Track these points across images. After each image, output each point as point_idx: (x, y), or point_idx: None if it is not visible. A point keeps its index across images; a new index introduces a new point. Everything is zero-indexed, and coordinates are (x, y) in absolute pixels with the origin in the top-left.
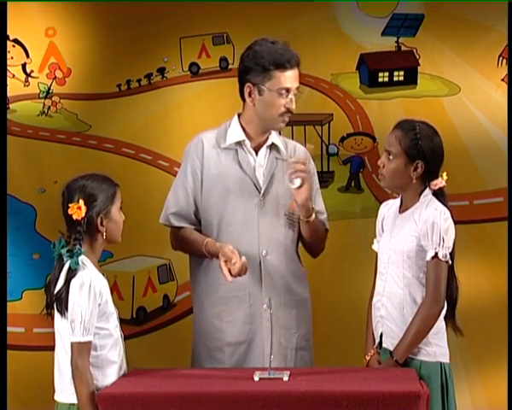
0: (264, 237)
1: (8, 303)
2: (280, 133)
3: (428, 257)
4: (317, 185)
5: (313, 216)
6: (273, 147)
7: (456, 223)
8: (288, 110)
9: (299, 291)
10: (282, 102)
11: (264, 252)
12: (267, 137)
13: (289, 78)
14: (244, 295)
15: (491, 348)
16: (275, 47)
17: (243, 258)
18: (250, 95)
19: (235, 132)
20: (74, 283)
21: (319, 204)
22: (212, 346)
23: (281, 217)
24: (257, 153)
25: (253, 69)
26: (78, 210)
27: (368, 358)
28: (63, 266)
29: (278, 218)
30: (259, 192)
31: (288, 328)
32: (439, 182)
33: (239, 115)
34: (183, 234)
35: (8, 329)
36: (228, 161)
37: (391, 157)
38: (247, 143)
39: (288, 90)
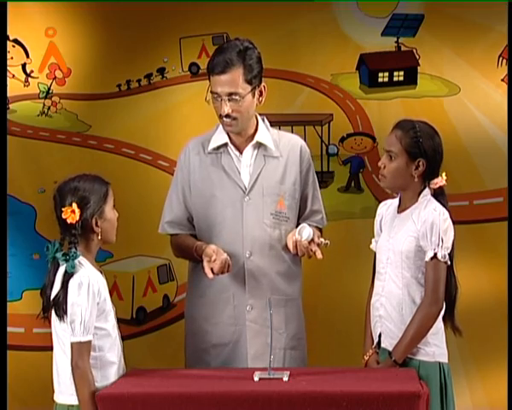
0: (248, 237)
1: (8, 303)
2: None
3: (427, 258)
4: (316, 181)
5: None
6: (262, 145)
7: (456, 223)
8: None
9: (287, 291)
10: (216, 105)
11: (247, 253)
12: (254, 136)
13: (218, 83)
14: (228, 297)
15: (491, 348)
16: (217, 49)
17: (224, 255)
18: None
19: (218, 136)
20: (72, 283)
21: (316, 202)
22: (200, 348)
23: (266, 216)
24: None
25: None
26: (72, 214)
27: (366, 358)
28: (58, 268)
29: (264, 217)
30: (244, 193)
31: (275, 328)
32: (440, 181)
33: None
34: (177, 241)
35: (8, 329)
36: (212, 165)
37: (392, 157)
38: (231, 145)
39: (218, 95)
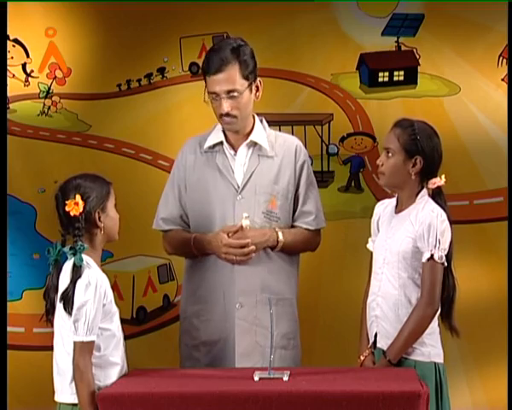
0: None
1: (8, 303)
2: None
3: (424, 259)
4: (312, 182)
5: (279, 246)
6: (256, 144)
7: (456, 223)
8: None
9: (278, 290)
10: (215, 105)
11: None
12: (249, 135)
13: (215, 82)
14: (219, 295)
15: (491, 348)
16: (211, 49)
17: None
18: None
19: (214, 135)
20: (80, 283)
21: (308, 203)
22: (191, 344)
23: (258, 215)
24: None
25: None
26: (75, 206)
27: (362, 358)
28: (60, 270)
29: (254, 216)
30: (237, 191)
31: (265, 326)
32: (438, 181)
33: None
34: (172, 235)
35: (8, 329)
36: (206, 164)
37: (390, 154)
38: (226, 144)
39: (216, 94)
